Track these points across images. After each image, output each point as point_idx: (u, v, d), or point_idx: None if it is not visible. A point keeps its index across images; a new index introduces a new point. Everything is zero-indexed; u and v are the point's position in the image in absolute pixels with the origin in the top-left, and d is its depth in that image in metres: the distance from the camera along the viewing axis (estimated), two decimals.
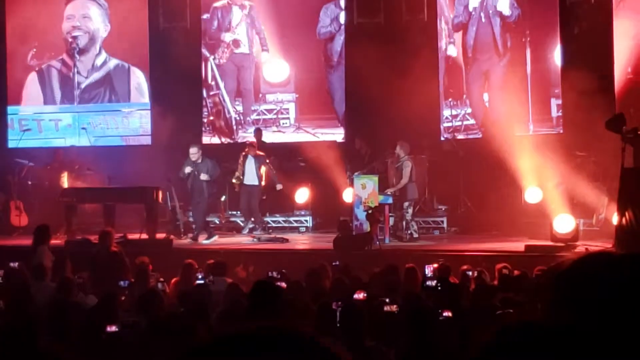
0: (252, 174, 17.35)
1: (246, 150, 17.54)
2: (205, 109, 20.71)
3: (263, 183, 17.51)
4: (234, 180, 17.45)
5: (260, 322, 1.47)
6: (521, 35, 18.29)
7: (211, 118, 20.69)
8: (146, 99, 20.97)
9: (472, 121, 18.95)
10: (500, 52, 18.58)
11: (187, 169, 16.67)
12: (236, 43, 20.56)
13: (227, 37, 20.61)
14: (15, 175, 19.08)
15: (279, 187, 17.56)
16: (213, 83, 20.72)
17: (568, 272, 1.88)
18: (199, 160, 16.70)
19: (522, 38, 18.29)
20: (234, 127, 20.58)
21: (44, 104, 21.45)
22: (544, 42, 18.23)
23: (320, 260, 11.72)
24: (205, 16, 20.64)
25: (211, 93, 20.74)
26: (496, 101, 18.50)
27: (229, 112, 20.62)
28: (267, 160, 17.46)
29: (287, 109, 20.40)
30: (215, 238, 16.72)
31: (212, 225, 17.78)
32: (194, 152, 16.69)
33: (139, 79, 21.02)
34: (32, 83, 21.49)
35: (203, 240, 16.61)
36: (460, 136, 19.00)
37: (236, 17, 20.57)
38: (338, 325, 6.94)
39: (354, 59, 19.37)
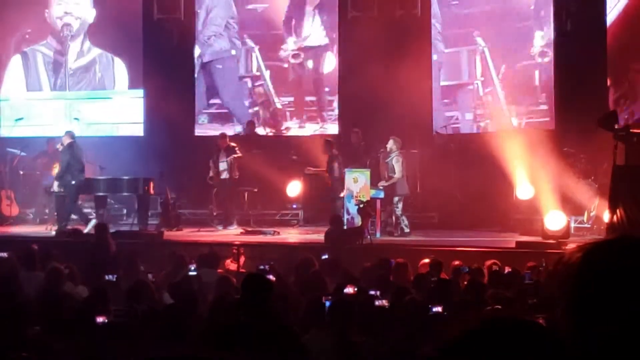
0: (223, 168, 17.45)
1: (218, 144, 17.63)
2: (250, 99, 20.62)
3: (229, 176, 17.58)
4: (210, 182, 17.54)
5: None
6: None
7: (256, 109, 20.59)
8: (126, 88, 20.95)
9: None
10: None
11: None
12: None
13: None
14: (7, 164, 19.04)
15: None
16: (258, 73, 20.65)
17: (590, 266, 1.77)
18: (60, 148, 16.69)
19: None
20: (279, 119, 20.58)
21: (27, 90, 21.39)
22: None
23: (310, 253, 11.69)
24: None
25: (256, 84, 20.63)
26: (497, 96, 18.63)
27: (274, 103, 20.55)
28: (235, 154, 17.49)
29: None
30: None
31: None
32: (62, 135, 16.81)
33: (121, 69, 20.98)
34: (15, 66, 21.42)
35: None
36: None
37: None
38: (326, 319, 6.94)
39: (347, 52, 19.38)
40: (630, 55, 16.77)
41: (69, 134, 16.71)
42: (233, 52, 20.61)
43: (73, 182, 16.34)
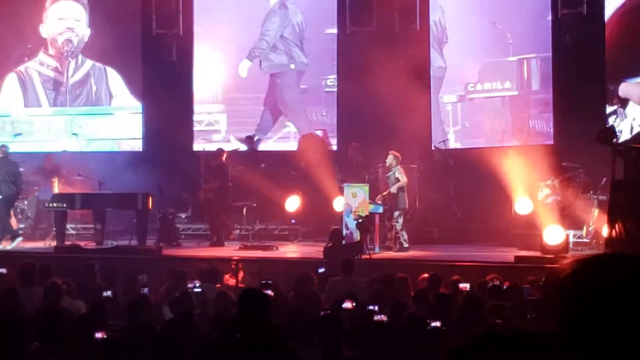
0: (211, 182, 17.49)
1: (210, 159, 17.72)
2: None
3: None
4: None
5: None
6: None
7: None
8: (127, 99, 20.95)
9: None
10: None
11: None
12: None
13: None
14: None
15: None
16: None
17: (579, 281, 1.81)
18: None
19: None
20: None
21: (25, 106, 21.43)
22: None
23: (309, 269, 11.68)
24: None
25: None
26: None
27: None
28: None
29: (218, 120, 20.69)
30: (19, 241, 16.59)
31: None
32: None
33: (115, 80, 21.03)
34: (10, 85, 21.47)
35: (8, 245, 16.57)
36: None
37: None
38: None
39: (346, 67, 19.41)
40: (621, 72, 16.78)
41: (2, 149, 16.86)
42: (292, 66, 20.52)
43: (0, 197, 16.60)
